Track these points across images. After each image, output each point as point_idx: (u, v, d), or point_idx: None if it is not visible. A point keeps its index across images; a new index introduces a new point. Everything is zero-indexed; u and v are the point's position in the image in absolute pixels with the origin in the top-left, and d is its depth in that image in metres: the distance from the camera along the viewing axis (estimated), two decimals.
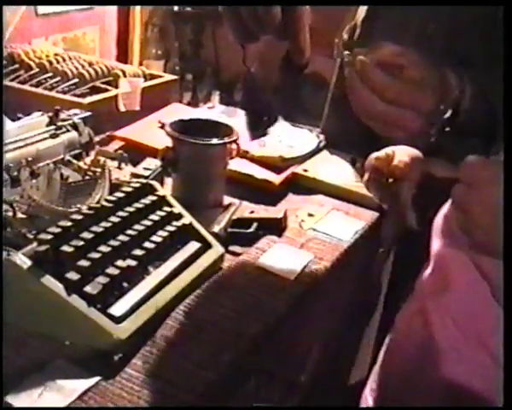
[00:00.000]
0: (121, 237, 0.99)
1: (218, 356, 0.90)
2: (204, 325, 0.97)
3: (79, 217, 0.98)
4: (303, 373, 1.25)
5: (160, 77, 1.90)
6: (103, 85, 1.80)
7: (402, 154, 1.27)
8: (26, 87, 1.74)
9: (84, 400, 0.80)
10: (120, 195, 1.07)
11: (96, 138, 1.36)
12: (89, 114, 1.37)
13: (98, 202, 1.06)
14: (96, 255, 0.93)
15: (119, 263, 0.94)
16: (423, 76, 1.03)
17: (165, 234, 1.05)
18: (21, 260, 0.88)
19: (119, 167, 1.22)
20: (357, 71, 1.01)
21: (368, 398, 1.24)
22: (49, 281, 0.88)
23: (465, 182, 0.93)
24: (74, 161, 1.18)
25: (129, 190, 1.10)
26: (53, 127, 1.22)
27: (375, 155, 1.27)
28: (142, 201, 1.09)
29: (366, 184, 1.30)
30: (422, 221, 1.27)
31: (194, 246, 1.09)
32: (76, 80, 1.79)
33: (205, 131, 1.29)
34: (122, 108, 1.68)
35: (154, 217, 1.07)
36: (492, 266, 1.01)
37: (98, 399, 0.81)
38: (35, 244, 0.91)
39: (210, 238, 1.12)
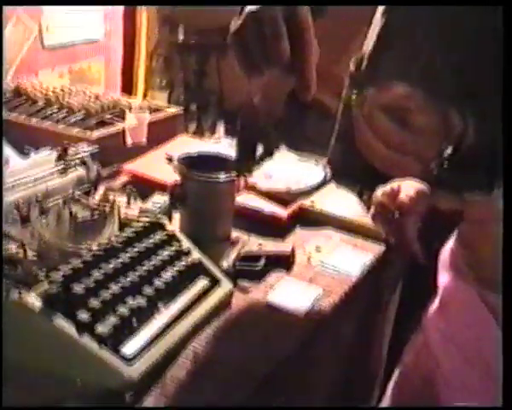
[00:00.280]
0: (131, 276, 0.99)
1: (229, 395, 0.90)
2: (214, 363, 0.97)
3: (90, 256, 0.98)
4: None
5: (166, 110, 1.91)
6: (109, 118, 1.81)
7: (407, 187, 1.27)
8: (34, 121, 1.74)
9: None
10: (130, 233, 1.08)
11: (104, 172, 1.37)
12: (96, 148, 1.38)
13: (108, 241, 1.06)
14: (106, 295, 0.93)
15: (130, 302, 0.95)
16: (428, 122, 1.04)
17: (174, 272, 1.05)
18: (33, 300, 0.88)
19: (128, 203, 1.23)
20: (363, 115, 1.02)
21: None
22: (61, 322, 0.88)
23: (470, 220, 0.94)
24: (83, 198, 1.18)
25: (138, 228, 1.10)
26: (62, 164, 1.22)
27: (381, 189, 1.28)
28: (152, 238, 1.10)
29: (373, 218, 1.30)
30: (428, 254, 1.27)
31: (203, 283, 1.09)
32: (82, 114, 1.80)
33: (212, 165, 1.30)
34: (129, 142, 1.69)
35: (164, 254, 1.08)
36: (499, 301, 1.01)
37: None
38: (46, 284, 0.91)
39: (219, 275, 1.12)
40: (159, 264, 1.05)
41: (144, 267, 1.03)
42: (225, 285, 1.11)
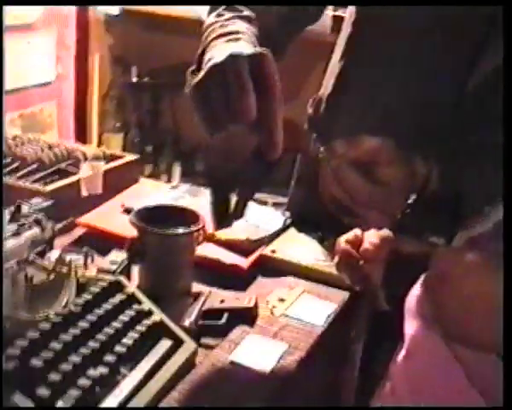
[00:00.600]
0: (91, 344, 0.96)
1: None
2: None
3: (47, 326, 0.95)
4: None
5: (121, 157, 1.88)
6: (64, 168, 1.77)
7: (371, 234, 1.27)
8: None
9: None
10: (88, 297, 1.05)
11: (58, 225, 1.34)
12: (51, 202, 1.36)
13: (66, 306, 1.03)
14: (66, 367, 0.90)
15: (91, 372, 0.92)
16: (395, 175, 1.03)
17: (136, 335, 1.03)
18: None
19: (85, 264, 1.20)
20: (331, 168, 1.01)
21: None
22: (20, 399, 0.85)
23: (436, 274, 0.93)
24: (39, 260, 1.15)
25: (96, 290, 1.07)
26: (15, 225, 1.19)
27: (344, 237, 1.27)
28: (111, 300, 1.07)
29: (337, 266, 1.29)
30: (393, 300, 1.26)
31: (166, 344, 1.07)
32: (36, 165, 1.77)
33: (170, 217, 1.28)
34: (84, 193, 1.66)
35: (124, 317, 1.05)
36: (467, 352, 1.00)
37: None
38: (3, 359, 0.88)
39: (181, 334, 1.10)
40: (119, 327, 1.02)
41: (104, 332, 1.00)
42: (189, 345, 1.09)
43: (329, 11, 2.74)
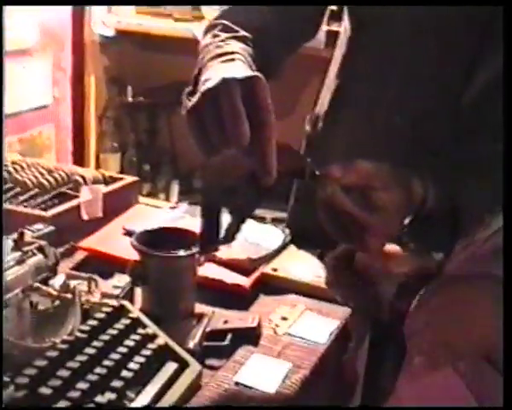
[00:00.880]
0: (98, 370, 0.97)
1: None
2: None
3: (54, 353, 0.96)
4: None
5: (120, 179, 1.89)
6: (64, 192, 1.79)
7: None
8: None
9: None
10: (93, 323, 1.06)
11: (60, 249, 1.35)
12: (53, 228, 1.37)
13: (71, 333, 1.04)
14: (74, 394, 0.91)
15: (99, 399, 0.93)
16: (392, 199, 1.04)
17: (141, 359, 1.04)
18: None
19: (89, 289, 1.21)
20: (327, 194, 1.02)
21: None
22: None
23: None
24: (43, 287, 1.16)
25: (101, 315, 1.09)
26: (19, 253, 1.20)
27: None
28: (116, 326, 1.08)
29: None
30: (397, 317, 1.27)
31: (171, 367, 1.08)
32: (36, 190, 1.78)
33: (171, 239, 1.29)
34: (85, 217, 1.67)
35: (129, 342, 1.06)
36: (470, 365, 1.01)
37: None
38: (11, 388, 0.89)
39: (186, 356, 1.11)
40: (125, 352, 1.04)
41: (111, 357, 1.01)
42: (194, 367, 1.10)
43: (323, 26, 2.75)
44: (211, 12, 1.43)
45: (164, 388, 1.03)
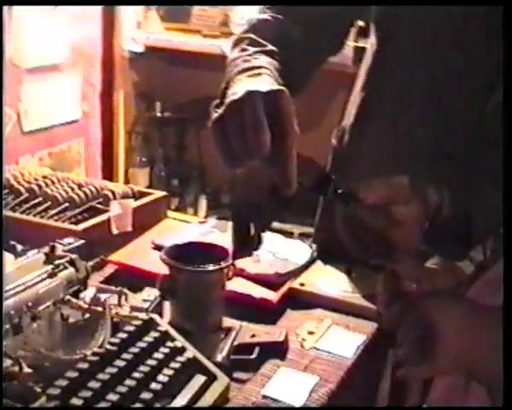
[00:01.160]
0: (128, 382, 0.99)
1: None
2: None
3: (85, 365, 0.98)
4: None
5: (150, 194, 1.91)
6: (94, 207, 1.81)
7: None
8: (19, 215, 1.74)
9: None
10: (123, 335, 1.08)
11: (90, 263, 1.37)
12: (83, 242, 1.39)
13: (102, 345, 1.06)
14: (105, 406, 0.93)
15: None
16: (411, 212, 1.06)
17: (170, 372, 1.05)
18: None
19: (119, 303, 1.23)
20: (350, 212, 1.03)
21: None
22: None
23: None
24: (74, 300, 1.18)
25: (131, 328, 1.10)
26: (50, 266, 1.22)
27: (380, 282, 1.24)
28: (145, 339, 1.10)
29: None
30: None
31: (199, 380, 1.09)
32: (66, 204, 1.80)
33: (200, 254, 1.31)
34: (115, 231, 1.69)
35: (158, 355, 1.07)
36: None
37: None
38: (44, 399, 0.91)
39: (214, 369, 1.12)
40: (154, 365, 1.05)
41: (140, 370, 1.03)
42: (222, 380, 1.11)
43: (351, 42, 2.77)
44: (239, 29, 1.44)
45: (192, 400, 1.04)
